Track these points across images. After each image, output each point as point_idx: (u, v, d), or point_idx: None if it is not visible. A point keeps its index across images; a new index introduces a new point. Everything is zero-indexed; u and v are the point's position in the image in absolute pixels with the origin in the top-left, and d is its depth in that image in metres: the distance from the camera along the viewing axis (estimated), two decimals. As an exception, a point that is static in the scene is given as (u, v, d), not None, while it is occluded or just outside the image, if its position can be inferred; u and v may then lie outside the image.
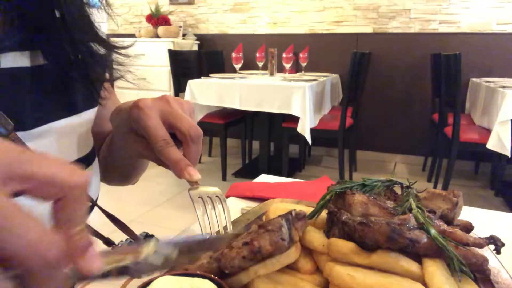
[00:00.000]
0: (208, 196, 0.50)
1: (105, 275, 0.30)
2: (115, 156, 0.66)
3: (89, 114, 0.59)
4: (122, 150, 0.59)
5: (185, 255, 0.36)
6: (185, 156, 0.49)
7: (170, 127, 0.49)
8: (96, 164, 0.61)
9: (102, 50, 0.55)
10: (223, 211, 0.50)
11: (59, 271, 0.24)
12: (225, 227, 0.50)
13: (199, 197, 0.49)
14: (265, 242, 0.40)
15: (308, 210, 0.55)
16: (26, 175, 0.24)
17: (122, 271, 0.33)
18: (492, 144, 2.60)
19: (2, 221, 0.22)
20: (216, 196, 0.50)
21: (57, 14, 0.50)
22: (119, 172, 0.71)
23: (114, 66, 0.58)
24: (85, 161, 0.58)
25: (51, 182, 0.25)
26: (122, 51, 0.58)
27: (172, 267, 0.40)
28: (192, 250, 0.38)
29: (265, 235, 0.41)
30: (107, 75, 0.60)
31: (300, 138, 3.16)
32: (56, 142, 0.52)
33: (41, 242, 0.23)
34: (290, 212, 0.45)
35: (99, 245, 0.62)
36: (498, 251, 0.48)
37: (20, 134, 0.47)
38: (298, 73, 3.92)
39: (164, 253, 0.36)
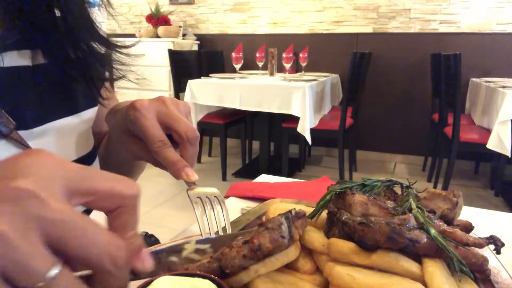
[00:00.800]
0: (206, 197, 0.50)
1: (154, 273, 0.35)
2: (112, 157, 0.66)
3: (90, 113, 0.59)
4: (118, 151, 0.59)
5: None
6: (182, 157, 0.49)
7: (167, 128, 0.49)
8: (96, 163, 0.61)
9: (103, 50, 0.55)
10: (221, 212, 0.50)
11: (125, 271, 0.28)
12: (224, 228, 0.50)
13: (197, 197, 0.49)
14: (265, 240, 0.40)
15: (308, 210, 0.55)
16: (89, 190, 0.28)
17: (169, 268, 0.40)
18: (492, 144, 2.60)
19: (76, 230, 0.25)
20: (215, 196, 0.50)
21: (57, 13, 0.50)
22: (116, 172, 0.71)
23: (116, 66, 0.58)
24: (86, 160, 0.58)
25: (110, 194, 0.29)
26: (124, 50, 0.58)
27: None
28: (225, 245, 0.43)
29: (265, 233, 0.41)
30: (107, 74, 0.60)
31: (300, 138, 3.16)
32: (57, 141, 0.52)
33: (111, 245, 0.27)
34: (290, 211, 0.45)
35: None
36: (498, 251, 0.48)
37: (21, 133, 0.47)
38: (298, 73, 3.92)
39: (202, 249, 0.43)
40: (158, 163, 0.50)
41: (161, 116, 0.49)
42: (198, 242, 0.44)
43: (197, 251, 0.44)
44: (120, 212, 0.29)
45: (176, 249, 0.43)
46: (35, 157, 0.27)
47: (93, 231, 0.26)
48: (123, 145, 0.53)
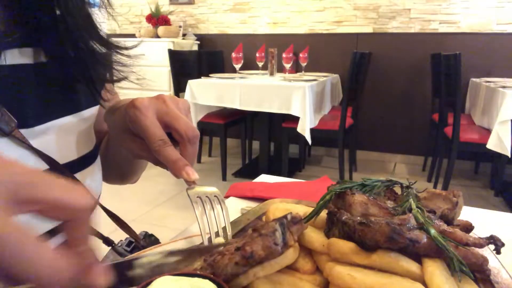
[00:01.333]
0: (206, 196, 0.49)
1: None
2: (112, 156, 0.66)
3: (91, 112, 0.59)
4: (118, 150, 0.59)
5: None
6: (182, 156, 0.48)
7: (167, 127, 0.48)
8: (98, 162, 0.61)
9: (103, 50, 0.55)
10: (221, 212, 0.50)
11: None
12: (224, 228, 0.50)
13: (197, 197, 0.49)
14: (257, 247, 0.39)
15: (308, 210, 0.55)
16: (33, 199, 0.26)
17: (133, 280, 0.39)
18: (492, 144, 2.60)
19: (13, 248, 0.23)
20: (215, 196, 0.50)
21: (58, 12, 0.50)
22: (117, 171, 0.71)
23: (117, 67, 0.58)
24: (87, 159, 0.58)
25: (58, 206, 0.27)
26: (124, 51, 0.58)
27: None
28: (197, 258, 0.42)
29: (258, 239, 0.40)
30: (108, 75, 0.60)
31: (300, 138, 3.16)
32: (59, 139, 0.52)
33: (53, 267, 0.25)
34: (285, 216, 0.45)
35: (100, 245, 0.62)
36: (498, 251, 0.48)
37: (23, 131, 0.47)
38: (298, 73, 3.92)
39: (171, 262, 0.41)
40: (158, 162, 0.50)
41: (161, 114, 0.48)
42: (169, 254, 0.41)
43: (163, 264, 0.41)
44: (70, 225, 0.28)
45: (140, 262, 0.40)
46: None
47: (33, 250, 0.24)
48: (123, 143, 0.53)
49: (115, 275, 0.33)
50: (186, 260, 0.42)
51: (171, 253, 0.41)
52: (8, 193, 0.25)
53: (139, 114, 0.47)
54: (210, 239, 0.48)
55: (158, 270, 0.40)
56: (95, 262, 0.28)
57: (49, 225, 0.44)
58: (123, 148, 0.54)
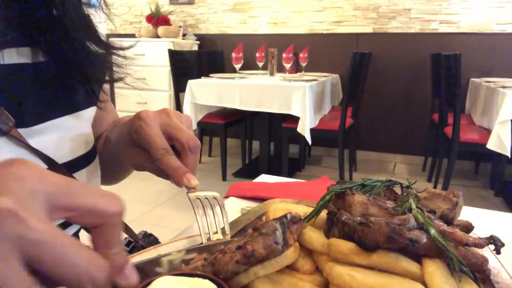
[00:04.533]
0: (206, 198, 0.51)
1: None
2: (110, 163, 0.67)
3: (89, 112, 0.59)
4: (120, 161, 0.60)
5: None
6: (184, 165, 0.50)
7: (170, 138, 0.50)
8: (96, 162, 0.62)
9: (100, 51, 0.56)
10: (221, 214, 0.51)
11: None
12: (223, 229, 0.51)
13: (197, 198, 0.50)
14: (258, 246, 0.40)
15: (308, 210, 0.55)
16: (70, 206, 0.27)
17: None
18: (492, 144, 2.60)
19: (56, 250, 0.25)
20: (214, 198, 0.51)
21: (55, 13, 0.50)
22: (108, 175, 0.72)
23: (114, 68, 0.59)
24: (85, 159, 0.58)
25: (93, 212, 0.28)
26: (121, 52, 0.58)
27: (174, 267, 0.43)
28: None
29: (259, 238, 0.41)
30: (105, 76, 0.60)
31: (300, 138, 3.16)
32: (57, 139, 0.52)
33: (91, 266, 0.26)
34: (285, 215, 0.45)
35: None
36: (498, 251, 0.48)
37: (21, 130, 0.47)
38: (298, 73, 3.92)
39: (188, 259, 0.44)
40: (161, 173, 0.52)
41: (165, 126, 0.50)
42: (188, 251, 0.44)
43: (183, 261, 0.44)
44: (103, 229, 0.29)
45: (161, 260, 0.43)
46: (16, 170, 0.26)
47: (74, 251, 0.25)
48: (127, 156, 0.54)
49: (142, 274, 0.35)
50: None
51: (189, 250, 0.44)
52: (46, 203, 0.26)
53: (144, 125, 0.49)
54: (209, 240, 0.49)
55: (176, 268, 0.42)
56: (125, 264, 0.30)
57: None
58: (125, 160, 0.56)
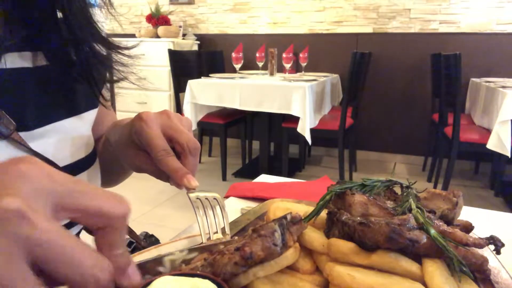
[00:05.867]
0: (206, 198, 0.51)
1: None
2: (110, 165, 0.67)
3: (90, 115, 0.60)
4: (119, 163, 0.60)
5: None
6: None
7: (170, 140, 0.50)
8: (97, 164, 0.62)
9: (104, 51, 0.56)
10: (221, 214, 0.51)
11: None
12: (223, 229, 0.51)
13: (197, 198, 0.50)
14: (256, 248, 0.40)
15: (308, 209, 0.55)
16: (76, 207, 0.28)
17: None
18: (492, 144, 2.60)
19: (61, 250, 0.25)
20: (214, 198, 0.52)
21: (59, 15, 0.50)
22: (106, 177, 0.72)
23: (117, 67, 0.59)
24: (86, 161, 0.58)
25: (98, 214, 0.28)
26: (125, 51, 0.58)
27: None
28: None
29: (258, 240, 0.40)
30: (108, 75, 0.60)
31: (300, 138, 3.16)
32: (58, 142, 0.52)
33: (96, 267, 0.26)
34: (285, 216, 0.45)
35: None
36: (498, 251, 0.48)
37: (22, 134, 0.47)
38: (298, 73, 3.92)
39: (189, 258, 0.44)
40: (160, 175, 0.52)
41: (165, 128, 0.51)
42: (190, 251, 0.45)
43: (184, 261, 0.44)
44: (108, 231, 0.29)
45: (163, 259, 0.43)
46: (24, 169, 0.27)
47: (79, 252, 0.26)
48: (127, 157, 0.54)
49: (144, 273, 0.35)
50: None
51: (191, 250, 0.44)
52: (52, 203, 0.26)
53: (145, 126, 0.49)
54: (209, 239, 0.49)
55: (177, 267, 0.43)
56: (128, 265, 0.30)
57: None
58: (125, 162, 0.56)
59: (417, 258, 0.43)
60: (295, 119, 2.96)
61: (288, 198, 0.74)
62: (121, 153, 0.55)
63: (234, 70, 3.67)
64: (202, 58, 3.81)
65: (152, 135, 0.49)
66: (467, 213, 0.59)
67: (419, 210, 0.47)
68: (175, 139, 0.50)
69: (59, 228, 0.25)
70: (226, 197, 0.83)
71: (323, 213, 0.53)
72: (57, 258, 0.25)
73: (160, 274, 0.41)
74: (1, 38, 0.45)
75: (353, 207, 0.49)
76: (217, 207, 0.51)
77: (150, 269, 0.42)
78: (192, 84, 3.21)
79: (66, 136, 0.54)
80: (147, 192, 3.12)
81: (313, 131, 2.98)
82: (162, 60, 4.18)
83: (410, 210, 0.48)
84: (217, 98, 3.15)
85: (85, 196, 0.28)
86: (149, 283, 0.37)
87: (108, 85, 0.62)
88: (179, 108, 3.57)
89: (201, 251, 0.45)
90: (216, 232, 0.50)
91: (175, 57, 3.68)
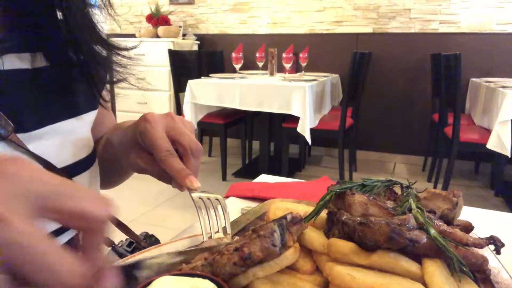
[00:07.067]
0: (208, 199, 0.51)
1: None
2: (110, 166, 0.67)
3: (90, 116, 0.59)
4: (119, 164, 0.60)
5: None
6: None
7: (173, 141, 0.51)
8: (96, 166, 0.62)
9: (104, 52, 0.56)
10: (223, 214, 0.52)
11: None
12: (224, 228, 0.52)
13: (199, 198, 0.51)
14: (255, 248, 0.40)
15: (308, 209, 0.55)
16: (59, 209, 0.27)
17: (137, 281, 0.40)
18: (492, 144, 2.60)
19: (35, 254, 0.24)
20: (216, 199, 0.52)
21: (59, 16, 0.50)
22: (106, 178, 0.72)
23: (117, 68, 0.59)
24: (85, 163, 0.58)
25: (79, 216, 0.28)
26: (125, 52, 0.58)
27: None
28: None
29: (256, 241, 0.40)
30: (108, 76, 0.60)
31: (300, 138, 3.16)
32: (56, 143, 0.52)
33: (71, 274, 0.26)
34: (284, 216, 0.45)
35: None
36: (498, 251, 0.48)
37: (20, 135, 0.47)
38: (298, 73, 3.92)
39: (174, 263, 0.43)
40: (162, 176, 0.52)
41: (169, 129, 0.51)
42: (170, 255, 0.44)
43: (171, 264, 0.43)
44: (88, 233, 0.29)
45: (145, 263, 0.42)
46: (8, 168, 0.26)
47: (55, 257, 0.25)
48: (129, 158, 0.55)
49: (123, 276, 0.34)
50: (193, 259, 0.44)
51: (179, 253, 0.44)
52: (34, 204, 0.26)
53: (149, 127, 0.50)
54: (210, 238, 0.50)
55: (165, 270, 0.42)
56: (106, 267, 0.30)
57: (55, 225, 0.44)
58: (127, 163, 0.56)
59: (417, 258, 0.43)
60: (295, 119, 2.96)
61: (288, 198, 0.74)
62: (124, 154, 0.56)
63: (234, 70, 3.67)
64: (202, 58, 3.81)
65: (156, 136, 0.49)
66: (467, 213, 0.59)
67: (419, 210, 0.47)
68: (178, 141, 0.51)
69: (36, 232, 0.25)
70: (226, 197, 0.83)
71: (323, 213, 0.53)
72: (29, 262, 0.24)
73: (139, 278, 0.40)
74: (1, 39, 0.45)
75: (353, 207, 0.49)
76: (219, 208, 0.52)
77: (129, 273, 0.41)
78: (192, 84, 3.21)
79: (65, 138, 0.54)
80: (147, 192, 3.12)
81: (313, 131, 2.98)
82: (162, 60, 4.17)
83: (410, 210, 0.48)
84: (217, 98, 3.15)
85: (68, 198, 0.28)
86: (149, 283, 0.37)
87: (107, 86, 0.62)
88: (179, 108, 3.57)
89: (190, 255, 0.45)
90: (218, 232, 0.50)
91: (175, 57, 3.68)
